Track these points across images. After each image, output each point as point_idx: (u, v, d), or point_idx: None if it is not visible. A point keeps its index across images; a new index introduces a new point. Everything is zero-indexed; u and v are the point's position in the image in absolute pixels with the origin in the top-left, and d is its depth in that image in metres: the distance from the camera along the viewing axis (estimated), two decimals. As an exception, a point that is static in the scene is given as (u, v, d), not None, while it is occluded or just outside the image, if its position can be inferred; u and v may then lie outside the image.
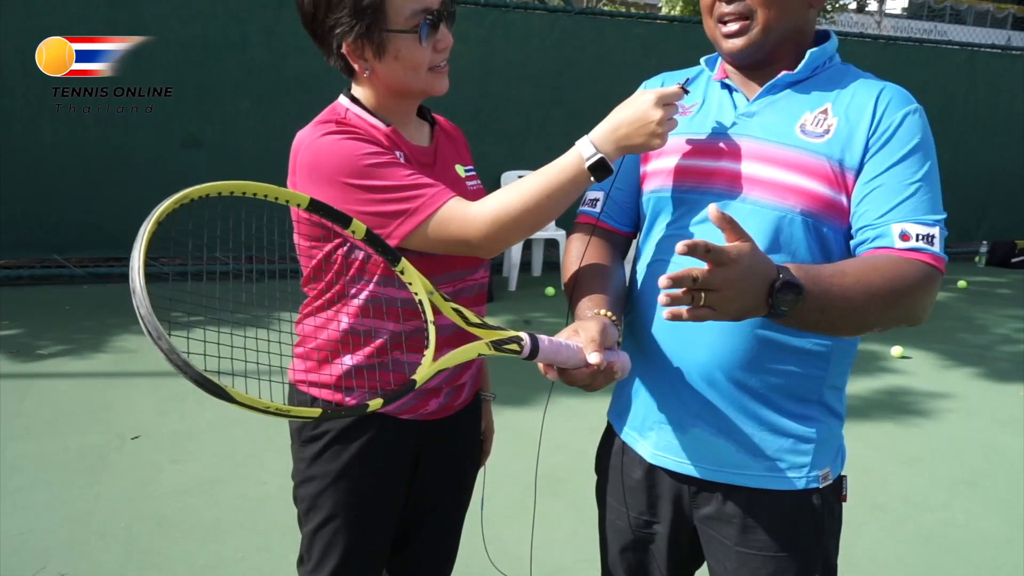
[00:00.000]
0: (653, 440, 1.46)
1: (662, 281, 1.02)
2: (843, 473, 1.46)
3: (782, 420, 1.37)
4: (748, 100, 1.41)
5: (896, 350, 5.49)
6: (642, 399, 1.48)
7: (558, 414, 3.80)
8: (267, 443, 3.63)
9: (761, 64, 1.39)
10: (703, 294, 1.05)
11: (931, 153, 1.32)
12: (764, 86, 1.40)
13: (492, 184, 6.84)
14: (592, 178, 1.38)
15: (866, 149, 1.31)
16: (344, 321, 1.48)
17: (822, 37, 1.43)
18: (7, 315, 5.47)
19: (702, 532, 1.46)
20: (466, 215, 1.39)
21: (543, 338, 1.29)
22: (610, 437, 1.59)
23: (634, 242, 1.59)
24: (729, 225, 1.08)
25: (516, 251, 6.85)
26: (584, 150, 1.37)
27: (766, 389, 1.36)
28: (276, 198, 1.25)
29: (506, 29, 7.26)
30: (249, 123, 6.60)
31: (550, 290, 6.74)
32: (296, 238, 1.51)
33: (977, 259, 9.14)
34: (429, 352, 1.31)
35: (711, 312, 1.06)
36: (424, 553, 1.72)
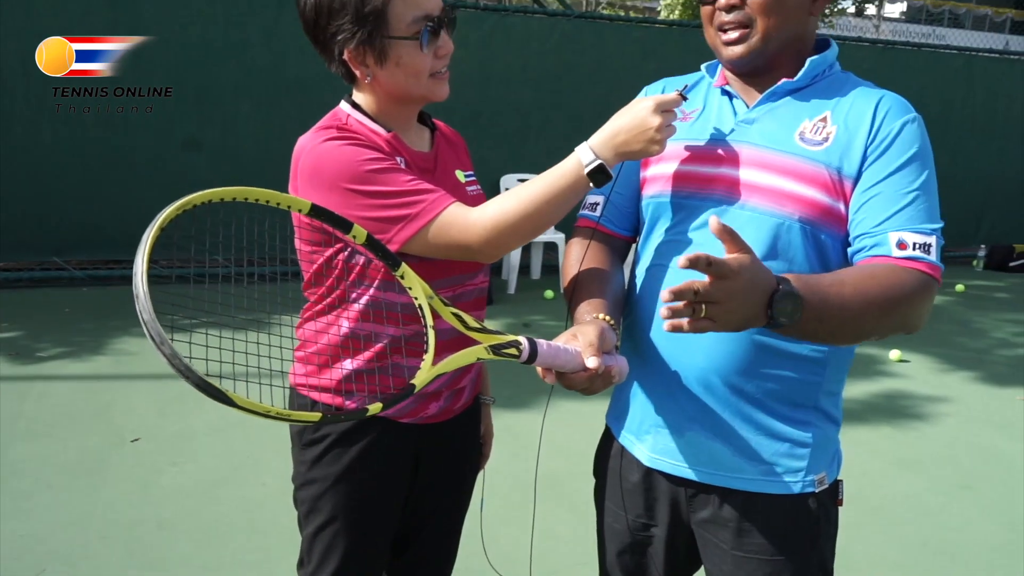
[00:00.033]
0: (650, 443, 1.47)
1: (664, 295, 1.04)
2: (839, 477, 1.47)
3: (778, 425, 1.38)
4: (748, 107, 1.42)
5: (894, 354, 5.51)
6: (639, 402, 1.49)
7: (557, 417, 3.81)
8: (267, 445, 3.64)
9: (761, 71, 1.40)
10: (704, 306, 1.06)
11: (929, 162, 1.33)
12: (764, 93, 1.41)
13: (491, 187, 6.86)
14: (591, 184, 1.39)
15: (864, 157, 1.32)
16: (345, 325, 1.49)
17: (822, 45, 1.45)
18: (7, 317, 5.48)
19: (699, 535, 1.47)
20: (466, 220, 1.40)
21: (541, 342, 1.30)
22: (608, 440, 1.60)
23: (633, 246, 1.60)
24: (729, 236, 1.09)
25: (515, 254, 6.86)
26: (583, 156, 1.38)
27: (762, 394, 1.37)
28: (278, 203, 1.26)
29: (505, 33, 7.28)
30: (249, 125, 6.61)
31: (549, 293, 6.75)
32: (297, 243, 1.52)
33: (975, 263, 9.16)
34: (428, 356, 1.32)
35: (711, 324, 1.07)
36: (424, 556, 1.72)
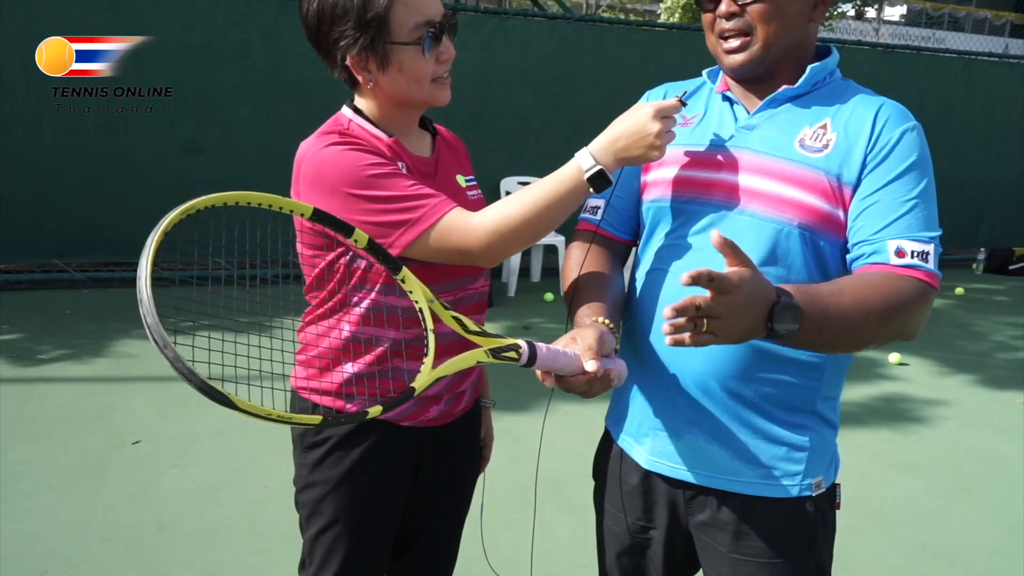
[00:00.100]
0: (648, 446, 1.48)
1: (666, 312, 1.05)
2: (837, 481, 1.48)
3: (775, 429, 1.39)
4: (748, 113, 1.43)
5: (894, 357, 5.51)
6: (638, 405, 1.49)
7: (557, 420, 3.81)
8: (268, 448, 3.64)
9: (762, 78, 1.41)
10: (705, 320, 1.07)
11: (928, 170, 1.34)
12: (765, 100, 1.41)
13: (491, 190, 6.87)
14: (591, 189, 1.40)
15: (864, 165, 1.33)
16: (346, 329, 1.50)
17: (823, 52, 1.45)
18: (7, 320, 5.48)
19: (697, 538, 1.47)
20: (467, 225, 1.41)
21: (541, 345, 1.31)
22: (607, 443, 1.61)
23: (634, 250, 1.61)
24: (730, 250, 1.10)
25: (515, 257, 6.86)
26: (583, 162, 1.39)
27: (760, 398, 1.38)
28: (280, 208, 1.27)
29: (506, 36, 7.29)
30: (249, 128, 6.63)
31: (549, 296, 6.76)
32: (299, 247, 1.53)
33: (975, 266, 9.16)
34: (428, 359, 1.33)
35: (713, 338, 1.09)
36: (424, 558, 1.73)
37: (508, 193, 1.39)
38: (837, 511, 1.48)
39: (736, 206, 1.37)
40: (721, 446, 1.40)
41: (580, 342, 1.32)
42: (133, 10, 6.18)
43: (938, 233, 1.31)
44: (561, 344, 1.33)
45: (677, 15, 12.26)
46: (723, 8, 1.36)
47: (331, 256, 1.48)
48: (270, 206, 1.25)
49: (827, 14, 1.47)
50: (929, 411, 4.66)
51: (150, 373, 4.54)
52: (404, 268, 1.37)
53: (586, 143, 1.41)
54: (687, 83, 1.55)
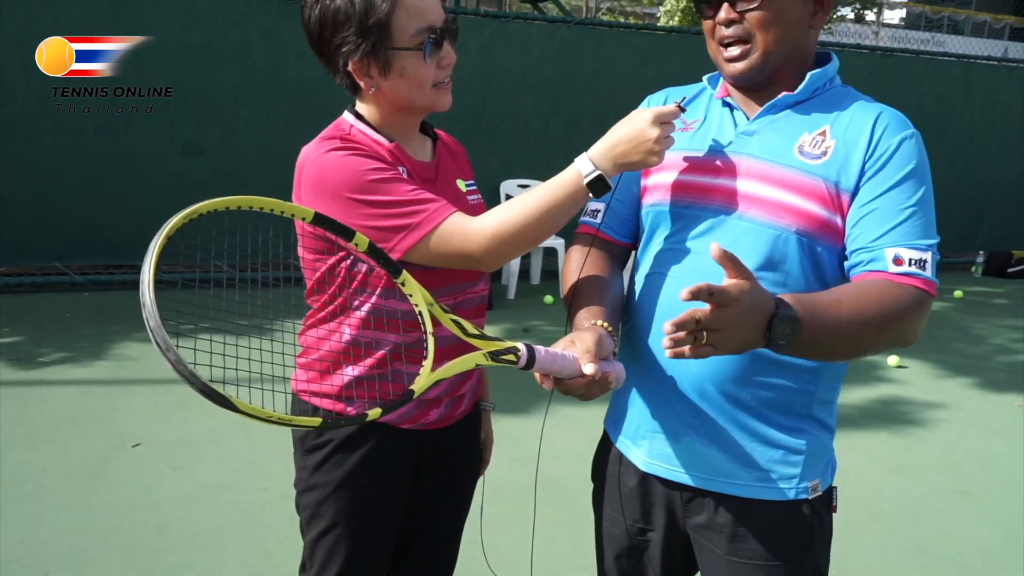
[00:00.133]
0: (646, 448, 1.49)
1: (666, 327, 1.07)
2: (833, 484, 1.48)
3: (772, 432, 1.40)
4: (748, 119, 1.44)
5: (892, 359, 5.52)
6: (636, 408, 1.50)
7: (557, 422, 3.82)
8: (268, 450, 3.65)
9: (762, 85, 1.42)
10: (704, 333, 1.08)
11: (926, 178, 1.35)
12: (764, 106, 1.42)
13: (491, 193, 6.88)
14: (590, 194, 1.41)
15: (862, 172, 1.33)
16: (347, 332, 1.51)
17: (823, 59, 1.46)
18: (8, 323, 5.49)
19: (694, 540, 1.48)
20: (467, 230, 1.42)
21: (539, 348, 1.32)
22: (606, 445, 1.62)
23: (633, 253, 1.62)
24: (730, 262, 1.11)
25: (515, 260, 6.87)
26: (583, 167, 1.40)
27: (757, 402, 1.39)
28: (281, 212, 1.28)
29: (505, 39, 7.30)
30: (250, 129, 6.63)
31: (549, 298, 6.77)
32: (300, 251, 1.54)
33: (973, 269, 9.17)
34: (428, 362, 1.34)
35: (713, 349, 1.10)
36: (424, 561, 1.74)
37: (508, 196, 1.40)
38: (834, 514, 1.49)
39: (735, 211, 1.38)
40: (718, 449, 1.41)
41: (579, 345, 1.33)
42: (133, 10, 6.19)
43: (936, 241, 1.32)
44: (560, 347, 1.34)
45: (677, 19, 12.29)
46: (722, 15, 1.36)
47: (332, 260, 1.49)
48: (272, 210, 1.26)
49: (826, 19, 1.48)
50: (927, 414, 4.67)
51: (150, 376, 4.55)
52: (404, 272, 1.37)
53: (586, 146, 1.42)
54: (688, 88, 1.56)
